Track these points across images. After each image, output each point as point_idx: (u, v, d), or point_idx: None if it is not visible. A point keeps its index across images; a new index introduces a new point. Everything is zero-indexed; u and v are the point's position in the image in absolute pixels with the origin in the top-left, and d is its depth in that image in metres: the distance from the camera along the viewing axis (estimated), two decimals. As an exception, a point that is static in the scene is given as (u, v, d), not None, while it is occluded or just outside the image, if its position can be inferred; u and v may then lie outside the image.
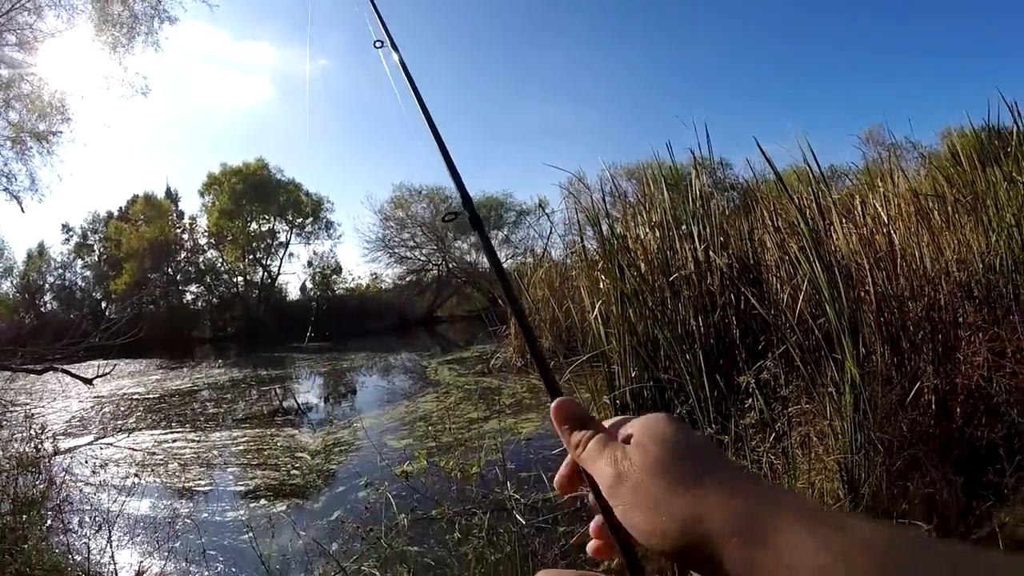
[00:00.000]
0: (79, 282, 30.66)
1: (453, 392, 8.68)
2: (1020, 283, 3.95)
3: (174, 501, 5.06)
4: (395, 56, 0.94)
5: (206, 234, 30.41)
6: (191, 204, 37.88)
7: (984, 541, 2.79)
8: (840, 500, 2.97)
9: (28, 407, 8.95)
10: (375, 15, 1.02)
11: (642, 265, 4.71)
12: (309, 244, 31.51)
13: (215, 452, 6.57)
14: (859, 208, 4.45)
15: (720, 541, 0.36)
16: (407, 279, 31.39)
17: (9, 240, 28.70)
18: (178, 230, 30.51)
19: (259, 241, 30.45)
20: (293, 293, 31.28)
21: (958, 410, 3.30)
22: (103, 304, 29.09)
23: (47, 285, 29.74)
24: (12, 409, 7.97)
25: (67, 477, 5.18)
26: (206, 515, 4.65)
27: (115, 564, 3.34)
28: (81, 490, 5.06)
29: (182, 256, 30.07)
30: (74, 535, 3.75)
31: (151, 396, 10.91)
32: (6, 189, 14.33)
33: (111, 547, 3.39)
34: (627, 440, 0.44)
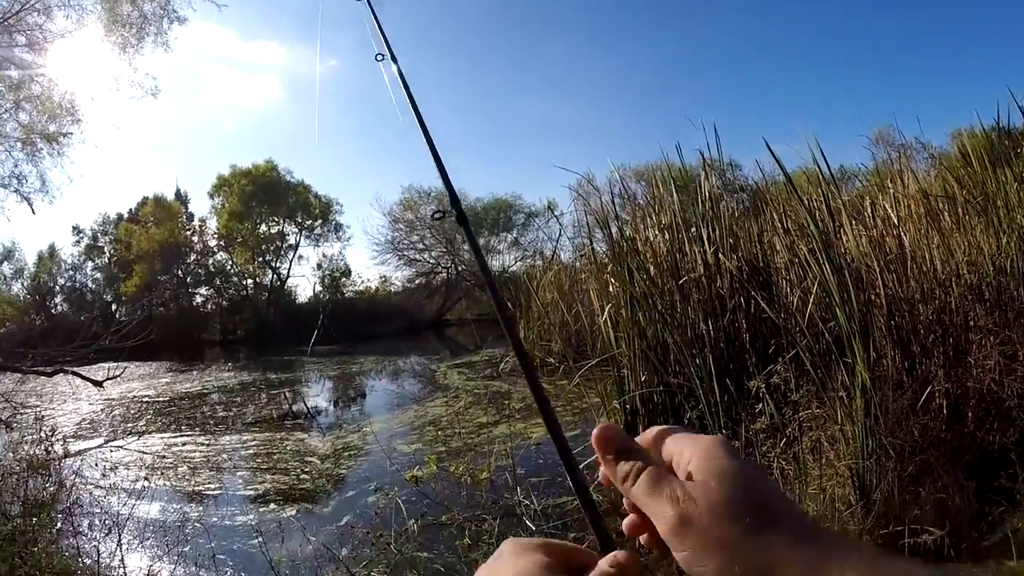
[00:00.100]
0: (89, 284, 30.72)
1: (462, 396, 8.67)
2: (1032, 285, 3.91)
3: (184, 505, 5.09)
4: (394, 68, 1.05)
5: (216, 236, 30.46)
6: (201, 206, 37.89)
7: (997, 547, 2.76)
8: (851, 506, 2.95)
9: (39, 409, 8.99)
10: (378, 31, 1.07)
11: (651, 268, 4.69)
12: (318, 246, 31.47)
13: (225, 456, 6.61)
14: (869, 210, 4.42)
15: None
16: (416, 282, 31.28)
17: (20, 242, 28.85)
18: (188, 232, 30.55)
19: (269, 243, 30.45)
20: (303, 296, 31.31)
21: (970, 414, 3.27)
22: (113, 306, 29.17)
23: (58, 287, 29.78)
24: (23, 411, 8.01)
25: (77, 480, 5.18)
26: (216, 519, 4.68)
27: (125, 568, 3.35)
28: (91, 493, 5.07)
29: (192, 258, 30.11)
30: (84, 538, 3.76)
31: (161, 399, 10.97)
32: (17, 191, 14.35)
33: (121, 551, 3.39)
34: (676, 466, 0.44)
